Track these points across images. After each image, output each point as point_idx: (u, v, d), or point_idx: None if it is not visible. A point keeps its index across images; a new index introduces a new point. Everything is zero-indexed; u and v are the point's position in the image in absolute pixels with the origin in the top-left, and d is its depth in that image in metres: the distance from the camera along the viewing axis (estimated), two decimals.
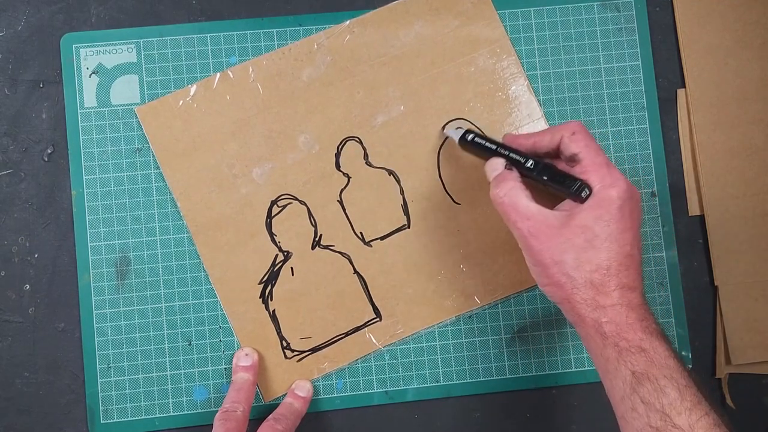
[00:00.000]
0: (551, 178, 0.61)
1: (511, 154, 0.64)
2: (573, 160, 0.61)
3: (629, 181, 0.60)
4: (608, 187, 0.58)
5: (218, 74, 0.72)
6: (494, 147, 0.65)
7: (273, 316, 0.71)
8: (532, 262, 0.60)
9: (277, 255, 0.71)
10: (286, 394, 0.70)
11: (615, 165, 0.60)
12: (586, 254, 0.57)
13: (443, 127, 0.73)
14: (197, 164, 0.71)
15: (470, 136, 0.67)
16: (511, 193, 0.61)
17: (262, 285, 0.71)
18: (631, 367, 0.55)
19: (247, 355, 0.70)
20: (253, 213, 0.71)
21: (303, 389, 0.70)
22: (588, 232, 0.57)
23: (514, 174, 0.62)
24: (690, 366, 0.73)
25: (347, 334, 0.71)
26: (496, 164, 0.64)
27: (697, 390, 0.54)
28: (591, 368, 0.73)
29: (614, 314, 0.57)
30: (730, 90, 0.74)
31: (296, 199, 0.72)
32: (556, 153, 0.63)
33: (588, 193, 0.59)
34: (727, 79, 0.74)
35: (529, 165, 0.62)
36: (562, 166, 0.63)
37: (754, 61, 0.74)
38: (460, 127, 0.70)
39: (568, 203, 0.60)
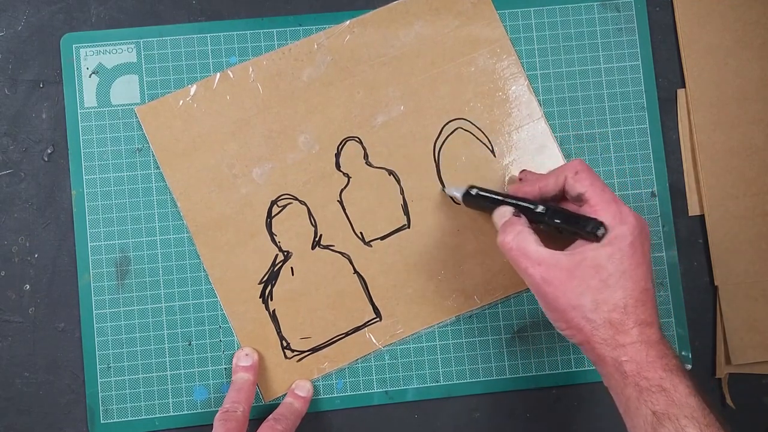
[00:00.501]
0: (564, 221, 0.61)
1: (520, 203, 0.64)
2: (579, 199, 0.61)
3: (638, 215, 0.59)
4: (619, 224, 0.58)
5: (218, 74, 0.72)
6: (501, 198, 0.65)
7: (273, 316, 0.71)
8: (548, 308, 0.60)
9: (277, 255, 0.71)
10: (286, 394, 0.70)
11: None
12: (602, 295, 0.57)
13: (443, 189, 0.73)
14: (197, 164, 0.71)
15: (474, 191, 0.67)
16: (520, 237, 0.60)
17: (262, 285, 0.71)
18: (651, 407, 0.55)
19: (247, 355, 0.70)
20: (253, 213, 0.71)
21: (303, 389, 0.70)
22: (602, 272, 0.57)
23: (522, 219, 0.62)
24: (690, 366, 0.73)
25: (347, 334, 0.71)
26: (504, 211, 0.64)
27: (718, 428, 0.54)
28: (591, 368, 0.73)
29: (634, 352, 0.57)
30: (730, 90, 0.74)
31: (296, 199, 0.72)
32: (562, 195, 0.63)
33: (604, 231, 0.58)
34: (727, 79, 0.74)
35: (540, 210, 0.62)
36: (570, 207, 0.63)
37: (754, 61, 0.74)
38: (461, 186, 0.70)
39: (577, 244, 0.60)
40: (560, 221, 0.61)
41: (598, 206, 0.60)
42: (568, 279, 0.58)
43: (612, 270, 0.57)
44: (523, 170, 0.71)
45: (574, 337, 0.59)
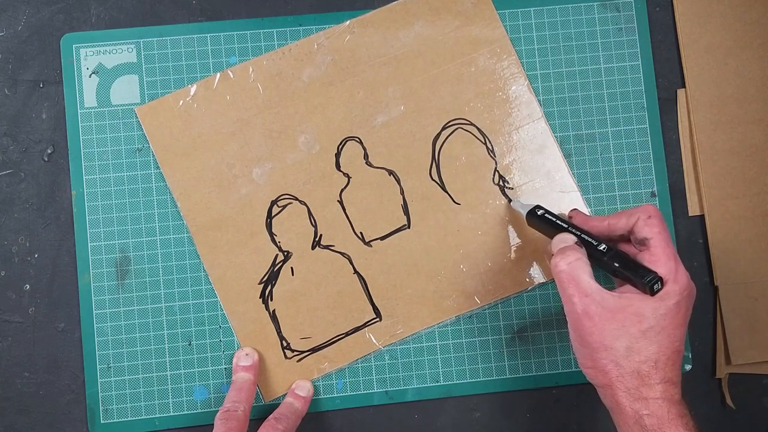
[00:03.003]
0: (624, 266, 0.60)
1: (583, 235, 0.63)
2: (643, 243, 0.61)
3: (690, 278, 0.59)
4: (672, 282, 0.58)
5: (218, 74, 0.72)
6: (565, 225, 0.65)
7: (273, 316, 0.71)
8: (579, 342, 0.60)
9: (277, 255, 0.71)
10: (286, 394, 0.70)
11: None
12: (638, 344, 0.57)
13: (510, 201, 0.72)
14: (197, 164, 0.71)
15: (540, 212, 0.67)
16: (575, 264, 0.60)
17: (262, 285, 0.71)
18: None
19: (247, 354, 0.70)
20: (253, 213, 0.71)
21: (303, 389, 0.70)
22: (644, 323, 0.57)
23: (582, 250, 0.62)
24: (690, 366, 0.73)
25: (347, 334, 0.71)
26: (567, 237, 0.63)
27: None
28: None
29: (656, 408, 0.56)
30: (730, 90, 0.74)
31: (296, 199, 0.72)
32: (627, 236, 0.63)
33: (660, 287, 0.58)
34: (727, 78, 0.74)
35: (602, 248, 0.62)
36: (628, 249, 0.63)
37: (754, 60, 0.74)
38: (529, 203, 0.70)
39: (626, 288, 0.60)
40: (619, 265, 0.60)
41: (660, 258, 0.59)
42: (609, 319, 0.58)
43: (653, 323, 0.57)
44: (574, 209, 0.70)
45: (597, 378, 0.59)
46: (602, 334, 0.58)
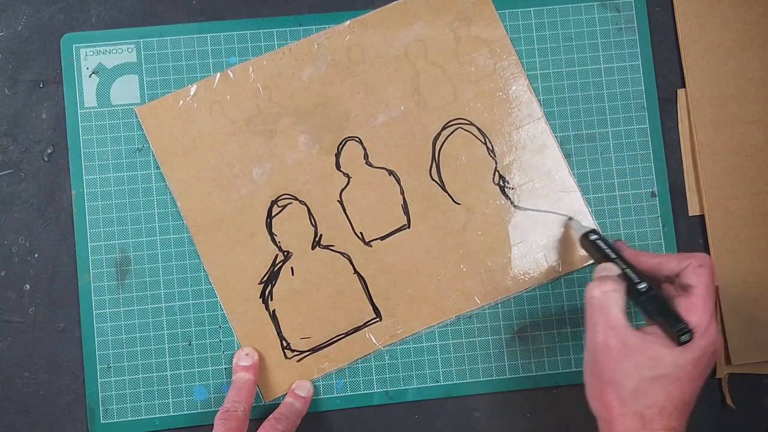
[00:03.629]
0: (658, 310, 0.60)
1: (627, 270, 0.62)
2: (685, 289, 0.60)
3: (719, 337, 0.59)
4: (699, 336, 0.57)
5: (218, 74, 0.72)
6: (614, 256, 0.64)
7: (273, 316, 0.71)
8: (591, 371, 0.59)
9: (277, 255, 0.71)
10: (286, 394, 0.70)
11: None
12: (648, 388, 0.56)
13: (570, 218, 0.73)
14: (197, 164, 0.71)
15: (593, 237, 0.67)
16: (610, 295, 0.59)
17: (262, 285, 0.71)
18: None
19: (247, 354, 0.70)
20: (253, 213, 0.71)
21: (303, 389, 0.70)
22: (660, 368, 0.56)
23: (623, 284, 0.61)
24: None
25: (347, 334, 0.71)
26: (610, 268, 0.63)
27: None
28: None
29: None
30: (730, 90, 0.74)
31: (296, 199, 0.72)
32: (672, 278, 0.62)
33: (688, 339, 0.57)
34: (727, 78, 0.74)
35: (641, 288, 0.61)
36: (668, 287, 0.62)
37: (754, 60, 0.74)
38: (586, 226, 0.70)
39: (652, 329, 0.59)
40: (653, 308, 0.60)
41: (697, 308, 0.58)
42: (626, 356, 0.57)
43: (670, 372, 0.56)
44: (619, 240, 0.70)
45: (599, 410, 0.59)
46: (615, 369, 0.57)
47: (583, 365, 0.60)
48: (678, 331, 0.57)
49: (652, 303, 0.60)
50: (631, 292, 0.61)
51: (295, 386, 0.70)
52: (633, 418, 0.56)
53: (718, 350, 0.59)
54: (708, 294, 0.59)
